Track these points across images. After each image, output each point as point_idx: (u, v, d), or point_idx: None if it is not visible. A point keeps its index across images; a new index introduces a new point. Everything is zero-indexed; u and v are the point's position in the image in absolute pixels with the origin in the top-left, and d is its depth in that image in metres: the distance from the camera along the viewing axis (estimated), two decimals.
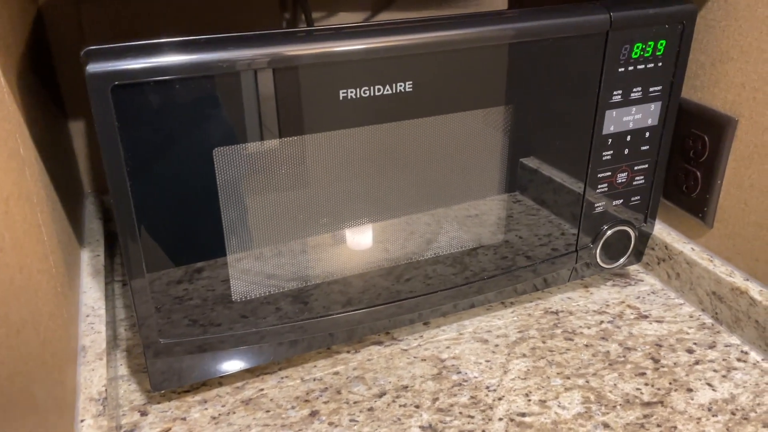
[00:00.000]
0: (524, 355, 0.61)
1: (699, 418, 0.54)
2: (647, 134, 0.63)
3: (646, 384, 0.58)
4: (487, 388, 0.58)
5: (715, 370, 0.60)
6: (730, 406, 0.56)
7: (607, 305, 0.69)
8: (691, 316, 0.67)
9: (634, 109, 0.61)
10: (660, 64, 0.60)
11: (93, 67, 0.42)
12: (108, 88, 0.43)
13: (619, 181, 0.64)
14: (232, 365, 0.56)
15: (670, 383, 0.58)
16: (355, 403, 0.56)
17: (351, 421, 0.54)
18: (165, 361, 0.53)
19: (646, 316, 0.67)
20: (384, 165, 0.54)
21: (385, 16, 0.87)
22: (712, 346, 0.63)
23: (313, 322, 0.57)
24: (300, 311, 0.56)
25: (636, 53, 0.59)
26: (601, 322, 0.66)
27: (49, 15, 0.73)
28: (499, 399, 0.56)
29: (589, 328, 0.65)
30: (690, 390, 0.57)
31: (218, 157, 0.48)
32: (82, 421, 0.47)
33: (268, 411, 0.55)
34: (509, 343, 0.63)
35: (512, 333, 0.65)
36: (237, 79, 0.46)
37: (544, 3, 0.57)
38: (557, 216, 0.63)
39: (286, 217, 0.53)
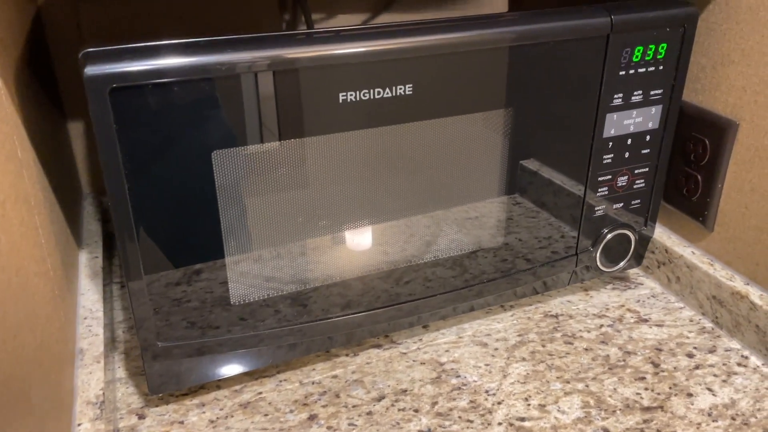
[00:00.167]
0: (524, 359, 0.61)
1: (699, 424, 0.54)
2: (648, 137, 0.63)
3: (646, 389, 0.58)
4: (487, 392, 0.57)
5: (715, 375, 0.59)
6: (730, 411, 0.55)
7: (607, 309, 0.68)
8: (691, 320, 0.67)
9: (634, 112, 0.61)
10: (661, 67, 0.60)
11: (91, 70, 0.42)
12: (106, 91, 0.43)
13: (620, 184, 0.64)
14: (230, 368, 0.56)
15: (670, 388, 0.58)
16: (353, 407, 0.56)
17: (350, 425, 0.54)
18: (163, 364, 0.53)
19: (646, 320, 0.67)
20: (384, 168, 0.54)
21: (384, 18, 0.86)
22: (712, 351, 0.62)
23: (312, 326, 0.57)
24: (299, 314, 0.56)
25: (637, 56, 0.58)
26: (601, 325, 0.66)
27: (48, 15, 0.73)
28: (499, 403, 0.56)
29: (588, 331, 0.65)
30: (690, 395, 0.57)
31: (217, 159, 0.48)
32: (79, 424, 0.47)
33: (266, 415, 0.55)
34: (509, 346, 0.63)
35: (512, 336, 0.64)
36: (236, 82, 0.46)
37: (545, 5, 0.57)
38: (557, 219, 0.63)
39: (285, 220, 0.52)
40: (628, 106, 0.60)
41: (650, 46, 0.58)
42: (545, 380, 0.59)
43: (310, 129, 0.50)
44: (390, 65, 0.50)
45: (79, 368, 0.52)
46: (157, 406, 0.56)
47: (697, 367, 0.60)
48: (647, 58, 0.59)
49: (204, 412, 0.55)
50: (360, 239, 0.56)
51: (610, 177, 0.63)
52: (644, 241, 0.68)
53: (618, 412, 0.55)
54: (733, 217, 0.64)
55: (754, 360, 0.61)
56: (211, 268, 0.51)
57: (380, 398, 0.57)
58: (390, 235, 0.57)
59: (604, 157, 0.62)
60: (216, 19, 0.79)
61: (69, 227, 0.65)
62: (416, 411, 0.55)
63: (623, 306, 0.69)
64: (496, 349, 0.63)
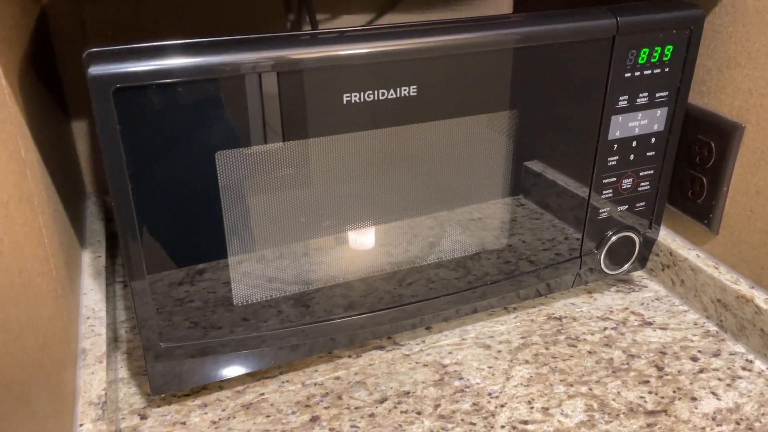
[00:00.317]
0: (527, 362, 0.61)
1: (703, 428, 0.54)
2: (653, 140, 0.62)
3: (650, 392, 0.57)
4: (490, 394, 0.57)
5: (719, 379, 0.59)
6: (734, 415, 0.55)
7: (611, 311, 0.68)
8: (695, 324, 0.66)
9: (640, 114, 0.61)
10: (667, 69, 0.60)
11: (95, 70, 0.42)
12: (110, 91, 0.43)
13: (624, 186, 0.63)
14: (232, 369, 0.56)
15: (674, 392, 0.58)
16: (356, 408, 0.56)
17: (352, 427, 0.54)
18: (165, 364, 0.53)
19: (650, 323, 0.66)
20: (387, 169, 0.54)
21: (389, 19, 0.86)
22: (716, 355, 0.62)
23: (315, 327, 0.57)
24: (301, 315, 0.56)
25: (643, 58, 0.58)
26: (605, 328, 0.66)
27: (53, 14, 0.73)
28: (502, 406, 0.56)
29: (592, 334, 0.65)
30: (694, 399, 0.57)
31: (221, 160, 0.48)
32: (81, 425, 0.47)
33: (268, 416, 0.55)
34: (512, 349, 0.63)
35: (515, 339, 0.64)
36: (240, 83, 0.46)
37: (550, 7, 0.57)
38: (561, 221, 0.63)
39: (288, 221, 0.52)
40: (633, 108, 0.60)
41: (656, 48, 0.58)
42: (548, 383, 0.58)
43: (314, 130, 0.50)
44: (394, 66, 0.50)
45: (82, 368, 0.52)
46: (159, 406, 0.56)
47: (701, 371, 0.60)
48: (653, 60, 0.59)
49: (206, 413, 0.55)
50: (363, 240, 0.56)
51: (614, 179, 0.63)
52: (649, 244, 0.68)
53: (622, 415, 0.55)
54: (738, 221, 0.64)
55: (759, 364, 0.61)
56: (213, 268, 0.51)
57: (383, 400, 0.57)
58: (393, 237, 0.57)
59: (609, 159, 0.61)
60: (221, 19, 0.79)
61: (72, 227, 0.65)
62: (419, 413, 0.55)
63: (627, 309, 0.69)
64: (499, 351, 0.62)
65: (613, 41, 0.56)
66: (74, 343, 0.53)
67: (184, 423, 0.54)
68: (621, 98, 0.59)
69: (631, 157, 0.62)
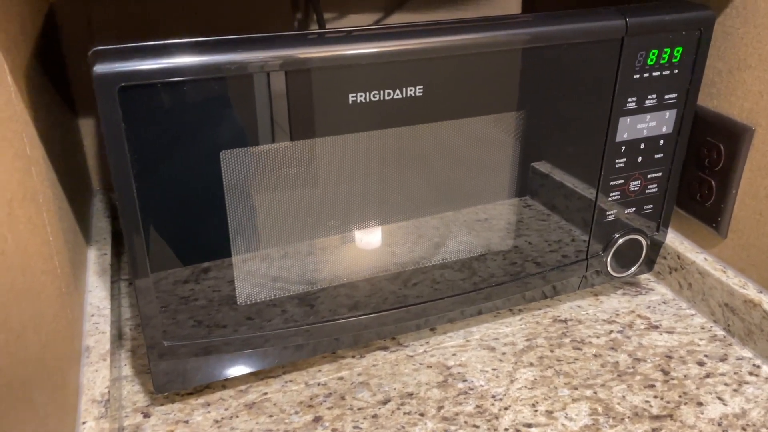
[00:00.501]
0: (531, 364, 0.61)
1: None
2: (661, 142, 0.62)
3: (656, 396, 0.57)
4: (494, 397, 0.57)
5: (726, 384, 0.58)
6: (740, 421, 0.54)
7: (617, 315, 0.68)
8: (702, 328, 0.66)
9: (648, 116, 0.60)
10: (676, 71, 0.59)
11: (100, 68, 0.42)
12: (115, 89, 0.43)
13: (632, 189, 0.63)
14: (236, 369, 0.56)
15: (679, 396, 0.57)
16: (359, 409, 0.56)
17: (355, 428, 0.54)
18: (169, 363, 0.53)
19: (656, 327, 0.66)
20: (393, 169, 0.53)
21: (396, 18, 0.86)
22: (723, 359, 0.61)
23: (319, 327, 0.57)
24: (306, 315, 0.56)
25: (652, 60, 0.58)
26: (611, 331, 0.65)
27: (61, 12, 0.73)
28: (505, 409, 0.56)
29: (598, 337, 0.64)
30: (700, 404, 0.56)
31: (225, 159, 0.48)
32: (83, 423, 0.47)
33: (271, 416, 0.55)
34: (516, 351, 0.62)
35: (520, 341, 0.64)
36: (245, 82, 0.46)
37: (559, 7, 0.57)
38: (568, 223, 0.62)
39: (293, 220, 0.52)
40: (641, 109, 0.59)
41: (665, 50, 0.58)
42: (553, 386, 0.58)
43: (319, 129, 0.49)
44: (400, 66, 0.50)
45: (85, 366, 0.52)
46: (162, 404, 0.56)
47: (707, 376, 0.59)
48: (662, 62, 0.58)
49: (209, 412, 0.55)
50: (368, 240, 0.56)
51: (622, 181, 0.62)
52: (656, 247, 0.67)
53: (626, 420, 0.54)
54: (747, 224, 0.63)
55: (766, 369, 0.60)
56: (218, 267, 0.51)
57: (386, 401, 0.56)
58: (399, 237, 0.57)
59: (617, 161, 0.61)
60: (228, 18, 0.79)
61: (78, 224, 0.65)
62: (422, 415, 0.55)
63: (633, 312, 0.68)
64: (504, 353, 0.62)
65: (622, 42, 0.56)
66: (78, 340, 0.53)
67: (186, 422, 0.54)
68: (629, 100, 0.59)
69: (639, 159, 0.62)
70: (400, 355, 0.62)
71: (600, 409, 0.56)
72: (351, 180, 0.52)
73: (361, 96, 0.49)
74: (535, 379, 0.59)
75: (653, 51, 0.57)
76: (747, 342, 0.63)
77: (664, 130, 0.61)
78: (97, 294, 0.61)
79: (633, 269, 0.67)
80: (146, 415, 0.55)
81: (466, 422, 0.54)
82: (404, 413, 0.55)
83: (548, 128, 0.57)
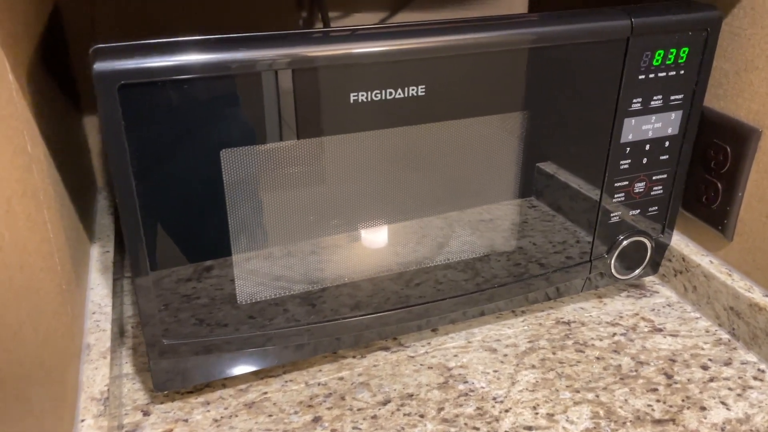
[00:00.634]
0: (533, 366, 0.60)
1: None
2: (667, 143, 0.61)
3: (658, 400, 0.56)
4: (494, 399, 0.56)
5: (730, 389, 0.58)
6: (744, 426, 0.54)
7: (621, 317, 0.67)
8: (707, 331, 0.65)
9: (653, 117, 0.59)
10: (682, 71, 0.58)
11: (100, 66, 0.42)
12: (115, 87, 0.42)
13: (637, 190, 0.62)
14: (236, 368, 0.56)
15: (682, 400, 0.56)
16: (359, 410, 0.55)
17: (354, 428, 0.53)
18: (168, 361, 0.53)
19: (660, 330, 0.65)
20: (396, 168, 0.53)
21: (402, 18, 0.85)
22: (727, 363, 0.61)
23: (320, 326, 0.57)
24: (307, 314, 0.56)
25: (657, 60, 0.57)
26: (614, 334, 0.65)
27: (67, 9, 0.73)
28: (506, 411, 0.55)
29: (601, 340, 0.64)
30: (703, 408, 0.56)
31: (226, 158, 0.47)
32: (82, 420, 0.47)
33: (270, 415, 0.55)
34: (518, 353, 0.62)
35: (522, 343, 0.63)
36: (247, 80, 0.46)
37: (566, 6, 0.56)
38: (572, 224, 0.62)
39: (294, 219, 0.52)
40: (647, 110, 0.59)
41: (671, 50, 0.57)
42: (554, 389, 0.58)
43: (320, 129, 0.49)
44: (402, 66, 0.49)
45: (85, 363, 0.52)
46: (162, 403, 0.56)
47: (711, 380, 0.59)
48: (668, 62, 0.57)
49: (209, 411, 0.55)
50: (371, 240, 0.56)
51: (627, 183, 0.62)
52: (661, 249, 0.67)
53: (628, 423, 0.54)
54: (753, 227, 0.63)
55: None
56: (218, 266, 0.51)
57: (386, 402, 0.56)
58: (402, 237, 0.57)
59: (621, 162, 0.60)
60: (233, 16, 0.79)
61: (81, 222, 0.65)
62: (422, 416, 0.55)
63: (637, 314, 0.67)
64: (506, 355, 0.62)
65: (627, 42, 0.55)
66: (79, 338, 0.53)
67: (186, 420, 0.54)
68: (634, 100, 0.58)
69: (644, 160, 0.61)
70: (401, 355, 0.62)
71: (602, 413, 0.55)
72: (353, 179, 0.52)
73: (362, 95, 0.49)
74: (537, 382, 0.58)
75: (659, 51, 0.57)
76: (752, 346, 0.62)
77: (669, 131, 0.61)
78: (99, 291, 0.61)
79: (637, 271, 0.67)
80: (146, 413, 0.55)
81: (466, 424, 0.54)
82: (404, 414, 0.55)
83: (552, 129, 0.57)
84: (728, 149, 0.63)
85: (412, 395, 0.57)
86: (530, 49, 0.53)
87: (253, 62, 0.45)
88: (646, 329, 0.65)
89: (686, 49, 0.57)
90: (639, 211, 0.64)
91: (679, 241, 0.70)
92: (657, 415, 0.55)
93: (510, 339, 0.64)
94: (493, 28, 0.52)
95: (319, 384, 0.58)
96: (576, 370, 0.60)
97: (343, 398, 0.57)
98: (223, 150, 0.47)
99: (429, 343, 0.63)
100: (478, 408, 0.56)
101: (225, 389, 0.58)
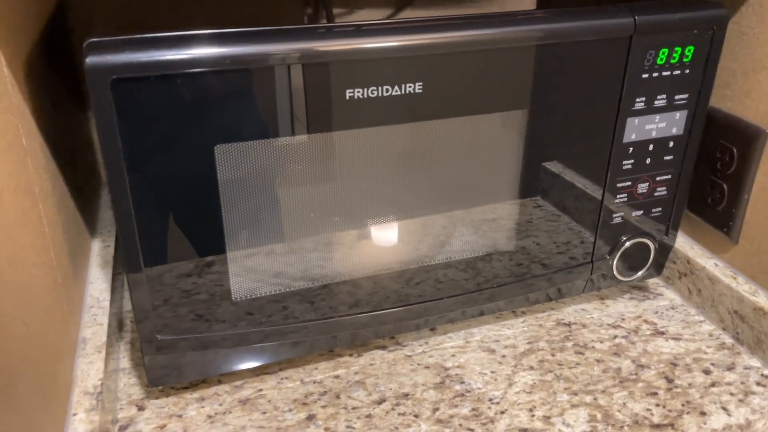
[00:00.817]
0: (531, 368, 0.59)
1: None
2: (671, 144, 0.60)
3: (658, 405, 0.56)
4: (490, 400, 0.56)
5: (731, 394, 0.57)
6: None
7: (623, 319, 0.66)
8: (710, 335, 0.64)
9: (657, 117, 0.58)
10: (687, 71, 0.57)
11: (92, 60, 0.42)
12: (107, 82, 0.42)
13: (640, 191, 0.61)
14: (231, 364, 0.56)
15: (682, 405, 0.56)
16: (353, 408, 0.55)
17: (348, 427, 0.53)
18: (163, 357, 0.53)
19: (662, 333, 0.64)
20: (398, 165, 0.53)
21: (407, 14, 0.85)
22: (730, 368, 0.60)
23: (318, 324, 0.56)
24: (305, 311, 0.55)
25: (661, 59, 0.56)
26: (615, 336, 0.64)
27: (72, 6, 0.74)
28: (502, 412, 0.55)
29: (601, 342, 0.63)
30: (703, 413, 0.55)
31: (220, 154, 0.47)
32: (74, 415, 0.47)
33: (264, 412, 0.55)
34: (517, 354, 0.61)
35: (521, 344, 0.63)
36: (240, 76, 0.45)
37: (574, 3, 0.55)
38: (576, 224, 0.61)
39: (289, 216, 0.52)
40: (650, 110, 0.58)
41: (676, 49, 0.56)
42: (552, 391, 0.57)
43: (317, 125, 0.49)
44: (402, 63, 0.49)
45: (80, 357, 0.52)
46: (157, 398, 0.56)
47: (713, 385, 0.58)
48: (672, 61, 0.56)
49: (203, 407, 0.55)
50: (372, 237, 0.55)
51: (629, 183, 0.61)
52: (665, 251, 0.66)
53: (626, 428, 0.53)
54: (759, 230, 0.61)
55: None
56: (213, 262, 0.51)
57: (381, 401, 0.56)
58: (404, 235, 0.56)
59: (624, 162, 0.60)
60: (238, 12, 0.79)
61: (83, 216, 0.65)
62: (416, 416, 0.54)
63: (640, 317, 0.66)
64: (504, 356, 0.61)
65: (630, 40, 0.54)
66: (75, 332, 0.54)
67: (180, 416, 0.54)
68: (638, 100, 0.57)
69: (648, 160, 0.60)
70: (398, 354, 0.61)
71: (599, 416, 0.54)
72: (354, 176, 0.52)
73: (358, 92, 0.49)
74: (534, 383, 0.58)
75: (663, 50, 0.56)
76: (756, 351, 0.61)
77: (674, 131, 0.60)
78: (98, 286, 0.61)
79: (640, 273, 0.66)
80: (140, 408, 0.55)
81: (460, 425, 0.53)
82: (399, 414, 0.54)
83: (553, 127, 0.56)
84: (735, 150, 0.62)
85: (407, 395, 0.56)
86: (530, 46, 0.52)
87: (246, 58, 0.45)
88: (648, 332, 0.64)
89: (691, 48, 0.56)
90: (642, 212, 0.63)
91: (684, 243, 0.69)
92: (656, 419, 0.54)
93: (509, 340, 0.63)
94: (493, 25, 0.51)
95: (314, 382, 0.58)
96: (575, 372, 0.59)
97: (338, 396, 0.56)
98: (218, 146, 0.47)
99: (427, 343, 0.63)
100: (473, 409, 0.55)
101: (220, 385, 0.57)
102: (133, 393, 0.56)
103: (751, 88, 0.61)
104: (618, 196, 0.61)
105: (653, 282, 0.72)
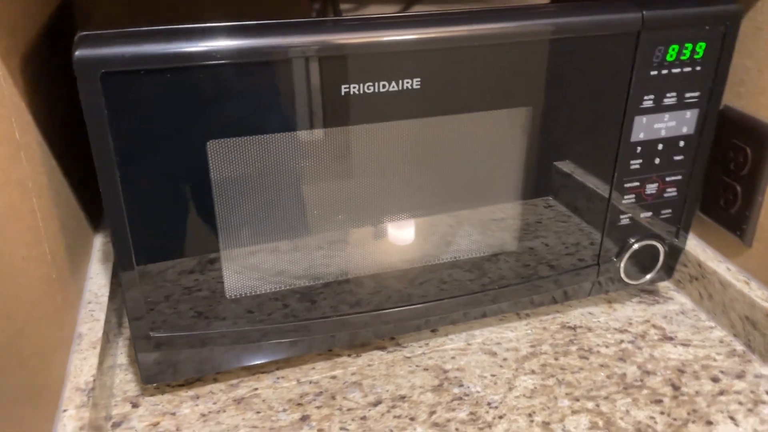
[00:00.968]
0: (533, 372, 0.58)
1: None
2: (681, 143, 0.58)
3: (662, 413, 0.54)
4: (489, 404, 0.55)
5: (740, 403, 0.55)
6: None
7: (630, 323, 0.64)
8: (721, 342, 0.62)
9: (667, 116, 0.57)
10: (698, 68, 0.55)
11: (81, 53, 0.41)
12: (97, 75, 0.42)
13: (649, 192, 0.60)
14: (227, 363, 0.55)
15: (688, 414, 0.54)
16: (348, 410, 0.54)
17: (341, 429, 0.52)
18: (157, 354, 0.52)
19: (671, 338, 0.62)
20: (401, 163, 0.52)
21: (417, 8, 0.83)
22: (740, 376, 0.58)
23: (316, 323, 0.56)
24: (305, 310, 0.55)
25: (671, 55, 0.54)
26: (621, 341, 0.62)
27: (78, 3, 0.74)
28: (500, 417, 0.53)
29: (607, 347, 0.61)
30: (710, 423, 0.53)
31: (212, 149, 0.47)
32: (64, 411, 0.47)
33: (258, 412, 0.54)
34: (519, 357, 0.60)
35: (523, 347, 0.61)
36: (232, 70, 0.45)
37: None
38: (584, 225, 0.59)
39: (282, 213, 0.51)
40: (659, 108, 0.56)
41: (687, 45, 0.54)
42: (553, 396, 0.55)
43: (312, 121, 0.48)
44: (400, 58, 0.48)
45: (75, 353, 0.52)
46: (152, 395, 0.56)
47: (721, 393, 0.56)
48: (683, 58, 0.55)
49: (197, 405, 0.55)
50: (376, 236, 0.54)
51: (637, 184, 0.59)
52: (675, 254, 0.64)
53: None
54: None
55: None
56: (206, 260, 0.50)
57: (377, 403, 0.55)
58: (409, 233, 0.55)
59: (632, 162, 0.58)
60: (243, 6, 0.78)
61: (84, 211, 0.65)
62: (412, 419, 0.53)
63: (648, 321, 0.65)
64: (505, 359, 0.60)
65: (638, 36, 0.53)
66: (70, 327, 0.53)
67: (173, 414, 0.54)
68: (646, 97, 0.55)
69: (657, 160, 0.58)
70: (397, 355, 0.60)
71: (601, 423, 0.53)
72: (355, 174, 0.51)
73: (354, 87, 0.48)
74: (535, 388, 0.56)
75: (673, 46, 0.54)
76: (767, 359, 0.59)
77: (684, 130, 0.58)
78: (97, 281, 0.61)
79: (649, 276, 0.64)
80: (135, 405, 0.55)
81: (457, 429, 0.52)
82: (394, 416, 0.53)
83: (558, 126, 0.54)
84: (748, 151, 0.60)
85: (404, 397, 0.55)
86: (535, 42, 0.50)
87: (239, 52, 0.44)
88: (656, 337, 0.62)
89: (703, 45, 0.55)
90: (651, 213, 0.61)
91: (695, 246, 0.67)
92: (659, 428, 0.52)
93: (511, 342, 0.62)
94: (496, 19, 0.50)
95: (310, 382, 0.57)
96: (578, 377, 0.58)
97: (333, 397, 0.55)
98: (210, 141, 0.46)
99: (427, 344, 0.62)
100: (471, 413, 0.54)
101: (216, 384, 0.57)
102: (128, 390, 0.56)
103: (766, 86, 0.58)
104: (626, 197, 0.59)
105: (664, 286, 0.70)
